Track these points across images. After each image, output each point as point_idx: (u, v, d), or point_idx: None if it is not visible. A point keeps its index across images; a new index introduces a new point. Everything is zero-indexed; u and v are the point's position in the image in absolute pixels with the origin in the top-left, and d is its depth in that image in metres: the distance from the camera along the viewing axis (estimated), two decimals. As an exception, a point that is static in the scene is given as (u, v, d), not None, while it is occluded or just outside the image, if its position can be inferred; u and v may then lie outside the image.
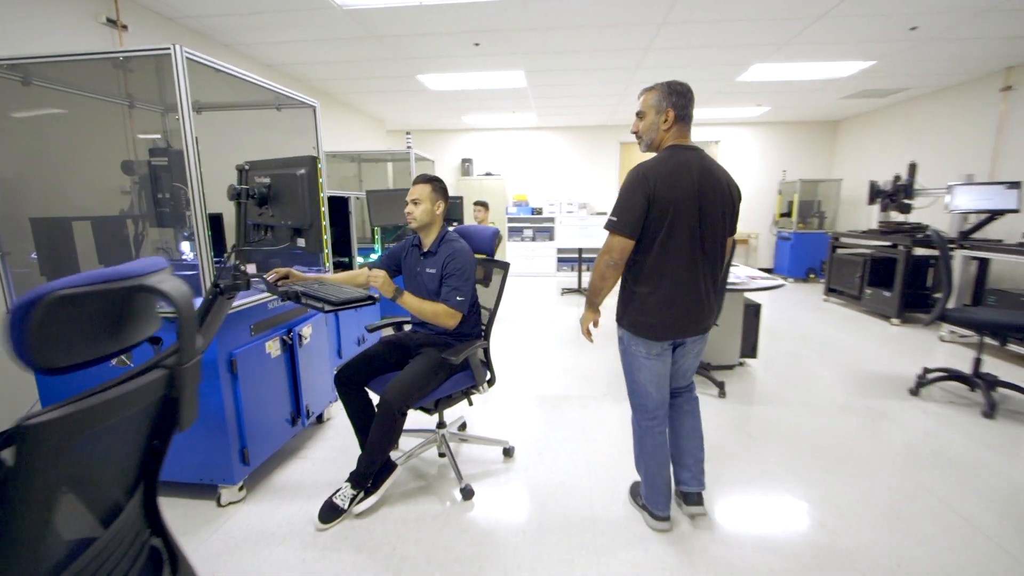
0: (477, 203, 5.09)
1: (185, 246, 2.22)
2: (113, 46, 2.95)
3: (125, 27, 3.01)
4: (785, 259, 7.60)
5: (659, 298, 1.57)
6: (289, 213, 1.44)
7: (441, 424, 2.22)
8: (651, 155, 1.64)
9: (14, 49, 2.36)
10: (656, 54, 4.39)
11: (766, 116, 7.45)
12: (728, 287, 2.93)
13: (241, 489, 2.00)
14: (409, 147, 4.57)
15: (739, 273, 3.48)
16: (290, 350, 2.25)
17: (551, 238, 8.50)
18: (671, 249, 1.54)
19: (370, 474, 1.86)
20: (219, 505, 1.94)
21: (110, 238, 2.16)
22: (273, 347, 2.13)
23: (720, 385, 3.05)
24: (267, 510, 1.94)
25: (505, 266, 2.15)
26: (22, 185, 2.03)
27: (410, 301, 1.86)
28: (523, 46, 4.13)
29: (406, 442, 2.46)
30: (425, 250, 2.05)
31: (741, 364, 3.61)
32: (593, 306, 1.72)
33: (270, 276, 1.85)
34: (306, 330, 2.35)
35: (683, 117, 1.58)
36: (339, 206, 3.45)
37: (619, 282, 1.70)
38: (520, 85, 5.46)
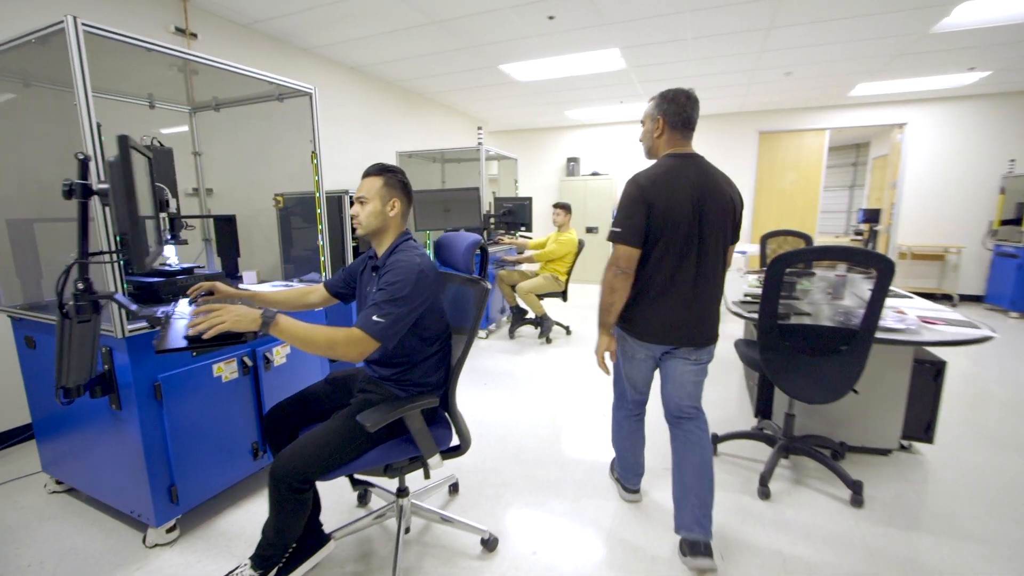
0: (557, 205, 4.46)
1: (169, 250, 2.09)
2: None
3: (195, 35, 3.13)
4: (1007, 283, 5.37)
5: (654, 303, 1.59)
6: (116, 214, 1.07)
7: (402, 491, 1.70)
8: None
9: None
10: (794, 5, 3.25)
11: (981, 85, 5.34)
12: (882, 336, 1.88)
13: (172, 530, 1.74)
14: (480, 143, 4.15)
15: (906, 309, 2.28)
16: (253, 373, 1.95)
17: (664, 246, 7.40)
18: (666, 255, 1.55)
19: (274, 557, 1.42)
20: (144, 544, 1.71)
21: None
22: (226, 370, 1.85)
23: (855, 487, 1.96)
24: (188, 563, 1.64)
25: (482, 292, 1.53)
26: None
27: (289, 328, 1.23)
28: (606, 13, 3.39)
29: (374, 501, 2.01)
30: (377, 263, 1.56)
31: (904, 449, 2.38)
32: (606, 328, 1.66)
33: (192, 291, 1.54)
34: (278, 351, 2.04)
35: (675, 125, 1.59)
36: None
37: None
38: (619, 67, 4.67)
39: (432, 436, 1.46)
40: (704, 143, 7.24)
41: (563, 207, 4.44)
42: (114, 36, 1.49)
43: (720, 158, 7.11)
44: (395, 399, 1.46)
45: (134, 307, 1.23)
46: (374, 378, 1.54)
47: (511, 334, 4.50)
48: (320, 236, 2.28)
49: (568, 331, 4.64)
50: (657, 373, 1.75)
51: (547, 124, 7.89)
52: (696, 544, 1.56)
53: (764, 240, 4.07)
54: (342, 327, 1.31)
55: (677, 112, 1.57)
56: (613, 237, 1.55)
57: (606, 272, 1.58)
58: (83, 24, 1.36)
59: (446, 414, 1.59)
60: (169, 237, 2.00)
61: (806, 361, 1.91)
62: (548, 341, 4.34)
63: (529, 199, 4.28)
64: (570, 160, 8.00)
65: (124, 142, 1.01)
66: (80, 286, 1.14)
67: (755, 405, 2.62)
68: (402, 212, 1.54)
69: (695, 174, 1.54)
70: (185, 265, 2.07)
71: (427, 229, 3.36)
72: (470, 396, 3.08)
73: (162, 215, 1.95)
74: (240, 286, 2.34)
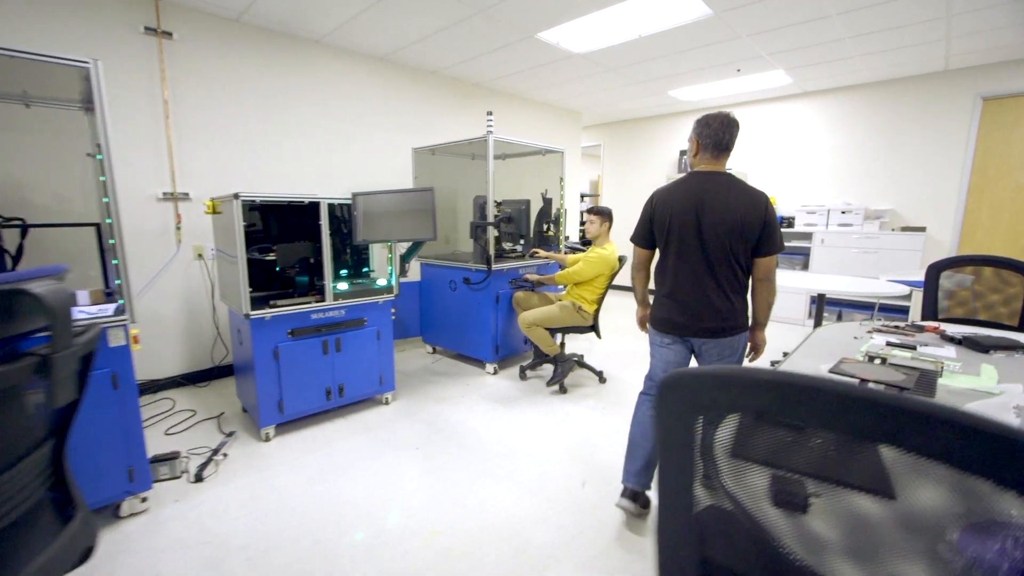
0: (590, 211, 3.33)
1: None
2: (155, 58, 2.98)
3: (168, 34, 3.01)
4: None
5: (663, 296, 1.88)
6: None
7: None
8: None
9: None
10: None
11: None
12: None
13: None
14: (489, 131, 3.30)
15: None
16: None
17: (804, 266, 5.42)
18: (669, 256, 1.84)
19: None
20: None
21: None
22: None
23: None
24: None
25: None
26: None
27: None
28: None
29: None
30: None
31: None
32: (639, 302, 2.13)
33: None
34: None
35: (707, 146, 1.79)
36: (309, 215, 2.60)
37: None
38: (701, 14, 3.31)
39: None
40: (881, 121, 5.01)
41: (599, 213, 3.30)
42: None
43: (906, 143, 4.84)
44: None
45: None
46: None
47: (522, 373, 3.54)
48: (116, 255, 1.77)
49: (601, 378, 3.47)
50: None
51: (652, 111, 6.51)
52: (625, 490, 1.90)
53: (935, 272, 2.36)
54: None
55: (710, 136, 1.78)
56: (631, 239, 1.98)
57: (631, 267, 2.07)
58: None
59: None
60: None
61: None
62: (562, 391, 3.26)
63: (527, 202, 3.27)
64: (683, 153, 6.49)
65: None
66: None
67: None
68: None
69: (702, 188, 1.77)
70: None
71: (374, 241, 2.67)
72: (360, 468, 2.26)
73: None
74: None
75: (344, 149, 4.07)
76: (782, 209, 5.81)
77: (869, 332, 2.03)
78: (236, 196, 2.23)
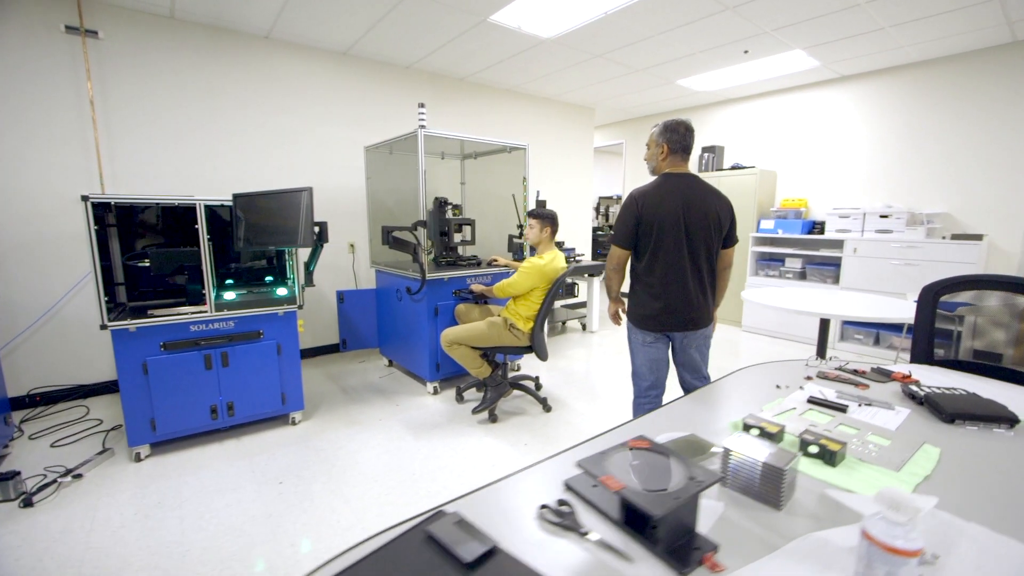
0: (531, 214, 2.90)
1: None
2: (79, 57, 2.92)
3: (94, 33, 2.95)
4: None
5: (650, 296, 1.95)
6: None
7: None
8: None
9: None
10: None
11: None
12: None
13: None
14: (422, 125, 2.97)
15: None
16: None
17: (835, 279, 4.61)
18: (658, 257, 1.91)
19: None
20: None
21: None
22: None
23: None
24: None
25: None
26: None
27: None
28: None
29: None
30: None
31: None
32: (611, 298, 2.18)
33: None
34: None
35: (675, 150, 1.94)
36: (185, 220, 2.38)
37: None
38: (666, -17, 2.79)
39: None
40: (931, 109, 4.11)
41: (538, 216, 2.87)
42: None
43: (962, 134, 3.92)
44: None
45: None
46: None
47: (459, 395, 3.16)
48: None
49: (546, 406, 3.01)
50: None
51: (669, 105, 5.89)
52: None
53: (931, 297, 1.75)
54: None
55: (678, 140, 1.92)
56: (610, 240, 2.01)
57: (605, 267, 2.07)
58: None
59: None
60: None
61: None
62: (492, 419, 2.85)
63: (436, 204, 2.87)
64: (705, 151, 5.80)
65: None
66: None
67: None
68: None
69: (683, 189, 1.89)
70: None
71: (252, 248, 2.42)
72: (200, 504, 1.99)
73: None
74: None
75: (303, 150, 3.90)
76: (813, 212, 5.02)
77: (808, 378, 1.49)
78: (85, 198, 2.06)
